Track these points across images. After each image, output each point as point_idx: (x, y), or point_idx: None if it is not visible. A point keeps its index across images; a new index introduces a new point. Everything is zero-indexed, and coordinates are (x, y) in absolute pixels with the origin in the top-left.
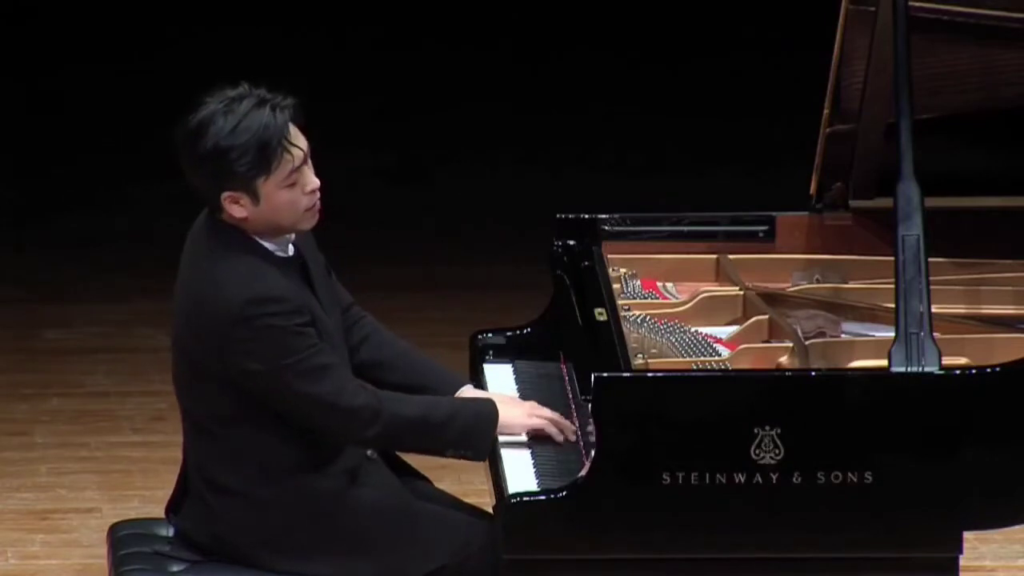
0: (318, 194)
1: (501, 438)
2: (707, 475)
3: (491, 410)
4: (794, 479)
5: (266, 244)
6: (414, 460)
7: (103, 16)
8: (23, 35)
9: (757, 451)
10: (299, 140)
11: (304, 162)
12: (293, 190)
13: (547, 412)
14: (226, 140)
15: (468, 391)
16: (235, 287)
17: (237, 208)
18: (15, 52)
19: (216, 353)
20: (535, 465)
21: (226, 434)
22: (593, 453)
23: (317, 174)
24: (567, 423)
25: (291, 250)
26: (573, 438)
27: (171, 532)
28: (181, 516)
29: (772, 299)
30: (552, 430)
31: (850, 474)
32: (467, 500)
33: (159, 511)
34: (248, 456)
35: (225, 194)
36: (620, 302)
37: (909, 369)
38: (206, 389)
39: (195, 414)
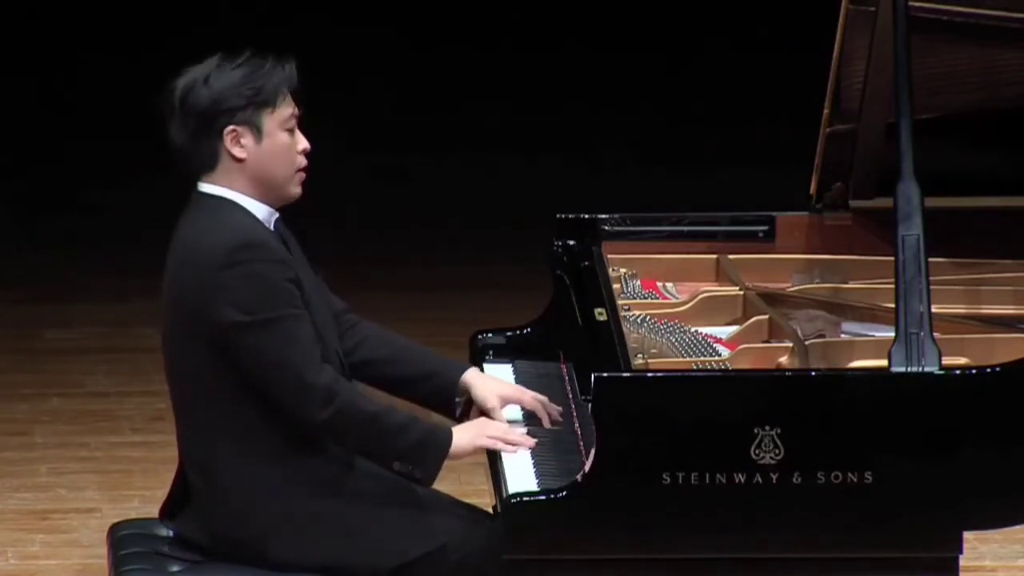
0: (306, 161)
1: None
2: (707, 475)
3: (446, 435)
4: (794, 479)
5: (253, 211)
6: None
7: (106, 14)
8: (25, 34)
9: (757, 451)
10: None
11: (298, 122)
12: (292, 137)
13: (495, 429)
14: (231, 75)
15: (472, 372)
16: (222, 235)
17: (238, 148)
18: (16, 51)
19: (204, 309)
20: (535, 465)
21: (229, 414)
22: (593, 453)
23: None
24: (517, 436)
25: (274, 229)
26: (530, 443)
27: (171, 532)
28: (179, 521)
29: (772, 299)
30: (501, 446)
31: (850, 474)
32: (467, 500)
33: (158, 511)
34: (252, 437)
35: (228, 129)
36: (620, 302)
37: (909, 369)
38: (203, 364)
39: (193, 401)
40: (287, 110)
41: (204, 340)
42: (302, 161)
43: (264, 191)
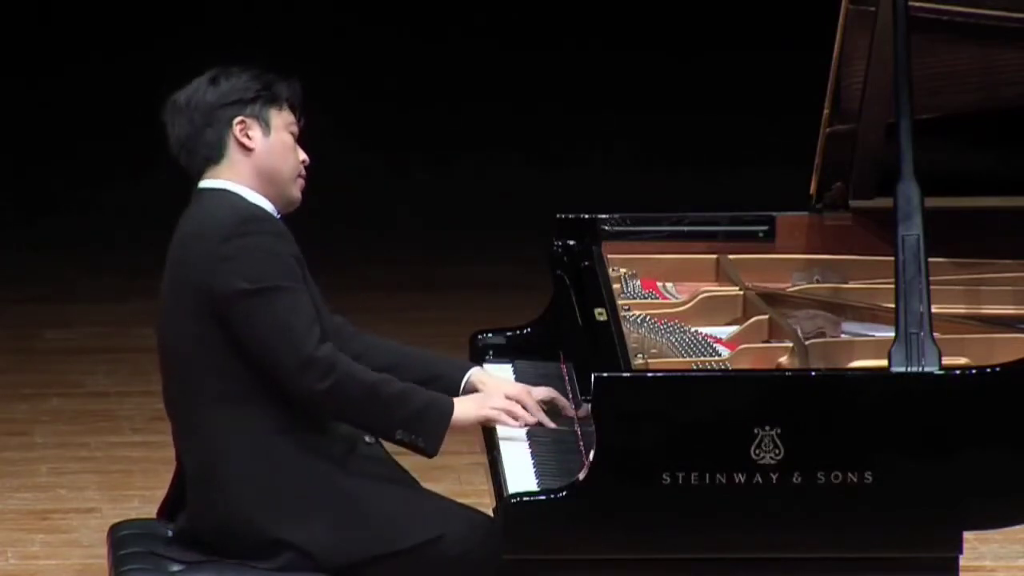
0: (304, 171)
1: (500, 433)
2: (707, 475)
3: (447, 404)
4: (794, 479)
5: (259, 204)
6: (413, 464)
7: (106, 14)
8: (24, 34)
9: (757, 451)
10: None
11: (298, 135)
12: (293, 142)
13: (499, 402)
14: (239, 75)
15: (478, 372)
16: (228, 212)
17: (246, 139)
18: (15, 51)
19: (208, 280)
20: (535, 465)
21: (233, 394)
22: (593, 453)
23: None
24: (520, 410)
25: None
26: (532, 420)
27: (170, 532)
28: (180, 519)
29: (772, 299)
30: (504, 418)
31: (850, 474)
32: (467, 500)
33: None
34: (257, 417)
35: (237, 119)
36: (620, 302)
37: (909, 369)
38: (207, 340)
39: (191, 386)
40: (291, 116)
41: (207, 317)
42: (300, 169)
43: (268, 187)
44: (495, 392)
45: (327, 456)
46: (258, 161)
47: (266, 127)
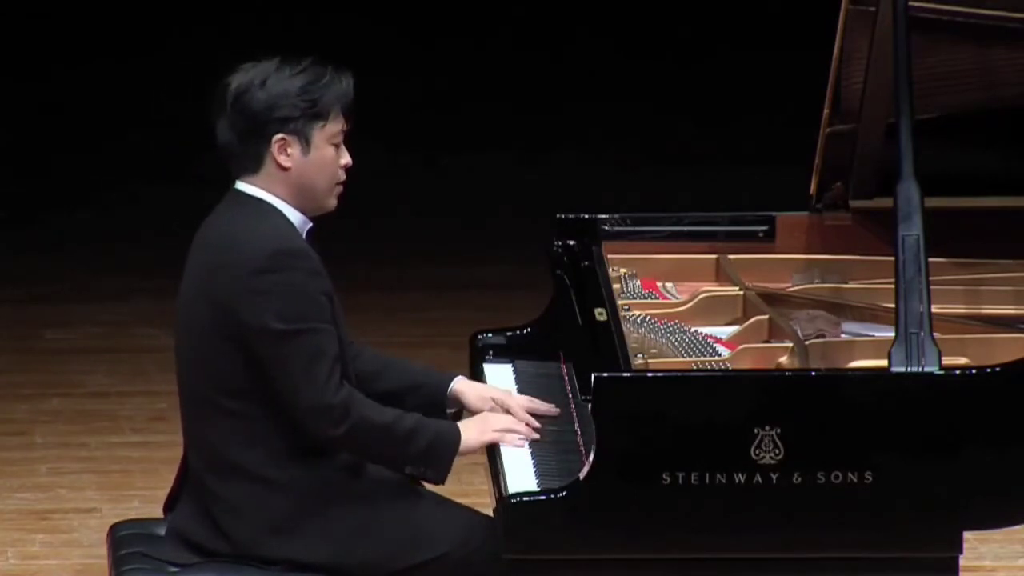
0: (345, 176)
1: None
2: (707, 475)
3: (454, 433)
4: (794, 479)
5: (290, 218)
6: None
7: (104, 14)
8: (24, 35)
9: (757, 451)
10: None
11: (346, 137)
12: (337, 151)
13: (500, 423)
14: (290, 82)
15: (461, 381)
16: (263, 239)
17: (284, 157)
18: (16, 52)
19: (235, 308)
20: (535, 465)
21: (242, 410)
22: (593, 453)
23: None
24: (521, 427)
25: (306, 238)
26: (533, 435)
27: (171, 531)
28: (181, 520)
29: (772, 299)
30: (508, 438)
31: (850, 474)
32: (467, 500)
33: (159, 511)
34: (263, 435)
35: (277, 137)
36: (620, 302)
37: (909, 369)
38: (222, 359)
39: (207, 392)
40: (337, 126)
41: (224, 339)
42: (342, 175)
43: (302, 200)
44: (483, 401)
45: (330, 481)
46: (294, 178)
47: (306, 145)
